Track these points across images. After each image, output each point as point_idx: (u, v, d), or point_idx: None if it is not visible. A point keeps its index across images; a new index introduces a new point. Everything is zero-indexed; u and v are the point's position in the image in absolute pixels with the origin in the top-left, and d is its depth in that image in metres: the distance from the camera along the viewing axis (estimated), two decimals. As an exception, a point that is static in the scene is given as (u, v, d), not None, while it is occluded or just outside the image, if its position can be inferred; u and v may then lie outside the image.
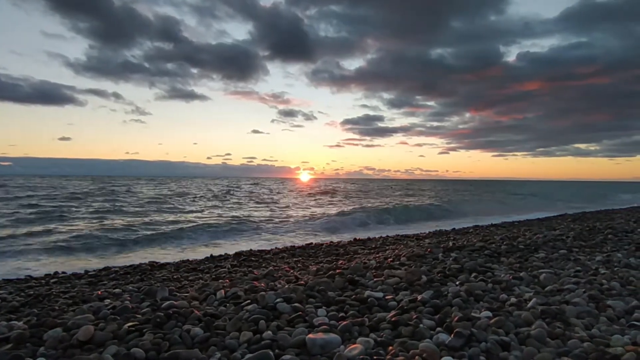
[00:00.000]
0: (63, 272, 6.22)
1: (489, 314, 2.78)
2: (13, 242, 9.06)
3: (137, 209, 17.61)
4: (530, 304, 2.99)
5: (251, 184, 59.30)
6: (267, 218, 15.16)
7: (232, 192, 33.89)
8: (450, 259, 4.87)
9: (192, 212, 17.30)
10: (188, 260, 7.28)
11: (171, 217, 14.59)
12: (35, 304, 3.85)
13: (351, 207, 19.55)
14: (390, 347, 2.29)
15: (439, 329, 2.54)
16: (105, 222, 12.80)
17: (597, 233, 7.32)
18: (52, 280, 5.46)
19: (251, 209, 19.40)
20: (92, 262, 7.48)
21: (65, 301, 3.84)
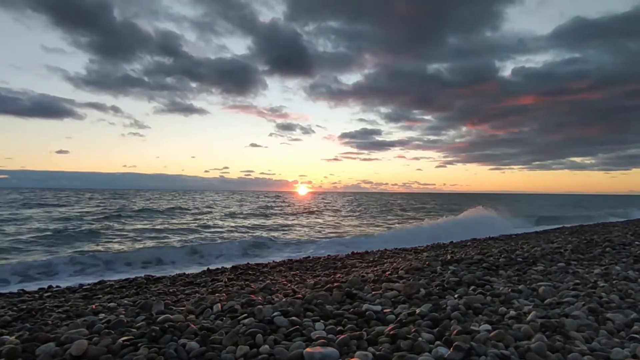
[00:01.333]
0: (57, 286, 6.14)
1: (489, 327, 2.75)
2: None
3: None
4: (529, 317, 2.97)
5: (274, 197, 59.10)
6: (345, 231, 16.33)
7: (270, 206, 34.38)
8: (449, 272, 4.84)
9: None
10: (184, 273, 7.21)
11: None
12: (27, 318, 3.78)
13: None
14: (389, 361, 2.25)
15: (437, 342, 2.51)
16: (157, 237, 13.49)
17: (595, 246, 7.32)
18: (45, 295, 5.38)
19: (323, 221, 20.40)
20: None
21: (59, 315, 3.77)
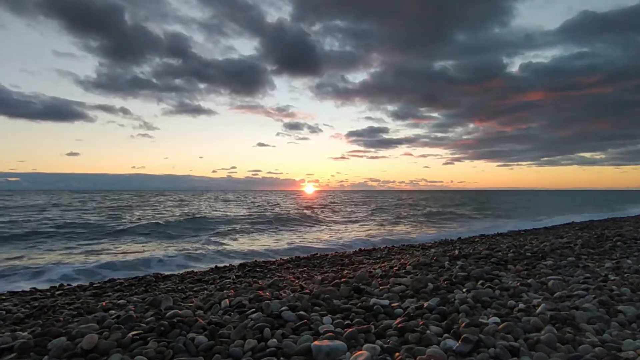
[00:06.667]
0: (68, 284, 6.23)
1: (497, 319, 2.73)
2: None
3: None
4: (539, 309, 2.94)
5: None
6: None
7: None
8: (457, 267, 4.81)
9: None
10: (192, 271, 7.27)
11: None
12: (39, 315, 3.85)
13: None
14: (397, 354, 2.25)
15: (446, 335, 2.50)
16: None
17: (606, 240, 7.22)
18: (57, 292, 5.46)
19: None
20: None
21: (70, 312, 3.83)
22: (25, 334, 2.67)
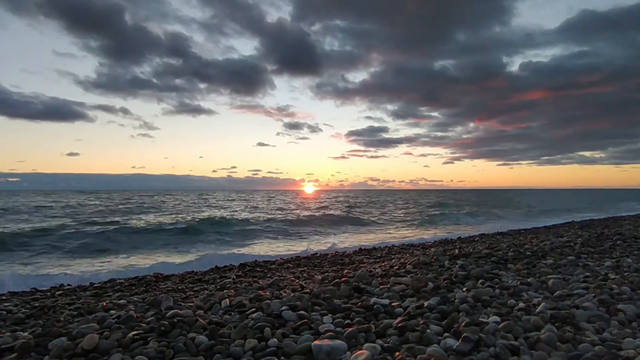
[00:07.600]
0: (68, 285, 6.23)
1: (497, 319, 2.73)
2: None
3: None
4: (539, 308, 2.95)
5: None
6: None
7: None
8: (457, 266, 4.81)
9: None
10: (193, 271, 7.27)
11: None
12: (40, 315, 3.85)
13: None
14: (397, 353, 2.25)
15: (446, 334, 2.50)
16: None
17: (606, 239, 7.22)
18: (57, 292, 5.46)
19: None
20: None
21: (71, 312, 3.83)
22: (26, 334, 2.68)
